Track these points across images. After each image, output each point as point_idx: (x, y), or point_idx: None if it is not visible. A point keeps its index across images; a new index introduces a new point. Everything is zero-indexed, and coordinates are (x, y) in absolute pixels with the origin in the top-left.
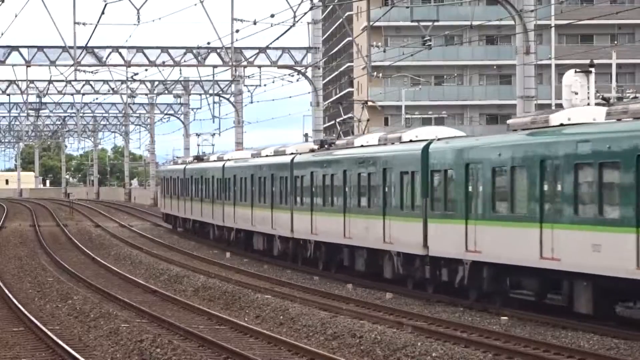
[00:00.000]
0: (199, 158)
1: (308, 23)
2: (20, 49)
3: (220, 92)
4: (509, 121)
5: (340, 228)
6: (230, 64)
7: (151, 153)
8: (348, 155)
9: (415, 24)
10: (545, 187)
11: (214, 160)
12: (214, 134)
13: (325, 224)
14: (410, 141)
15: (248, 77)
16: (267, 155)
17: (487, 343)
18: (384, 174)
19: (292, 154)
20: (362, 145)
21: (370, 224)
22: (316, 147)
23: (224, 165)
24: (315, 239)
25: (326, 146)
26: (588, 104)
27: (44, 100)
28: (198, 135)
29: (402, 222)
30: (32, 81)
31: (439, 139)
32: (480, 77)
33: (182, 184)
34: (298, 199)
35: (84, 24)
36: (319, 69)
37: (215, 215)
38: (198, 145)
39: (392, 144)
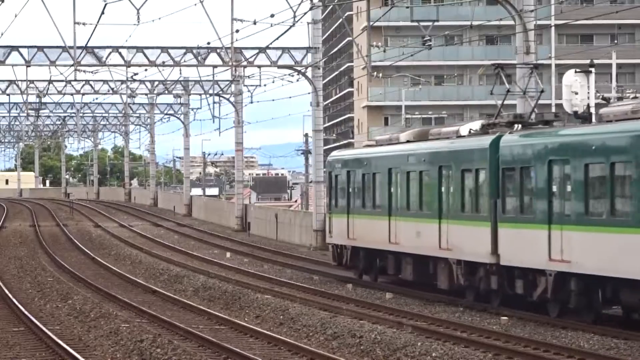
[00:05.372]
0: (518, 122)
1: (308, 23)
2: (20, 49)
3: (220, 92)
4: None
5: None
6: (230, 64)
7: (151, 153)
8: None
9: (415, 24)
10: None
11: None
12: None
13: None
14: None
15: (248, 77)
16: None
17: (487, 343)
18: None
19: None
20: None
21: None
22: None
23: None
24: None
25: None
26: (588, 105)
27: (43, 100)
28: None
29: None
30: (32, 81)
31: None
32: (480, 77)
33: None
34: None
35: (84, 24)
36: (319, 69)
37: None
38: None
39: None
